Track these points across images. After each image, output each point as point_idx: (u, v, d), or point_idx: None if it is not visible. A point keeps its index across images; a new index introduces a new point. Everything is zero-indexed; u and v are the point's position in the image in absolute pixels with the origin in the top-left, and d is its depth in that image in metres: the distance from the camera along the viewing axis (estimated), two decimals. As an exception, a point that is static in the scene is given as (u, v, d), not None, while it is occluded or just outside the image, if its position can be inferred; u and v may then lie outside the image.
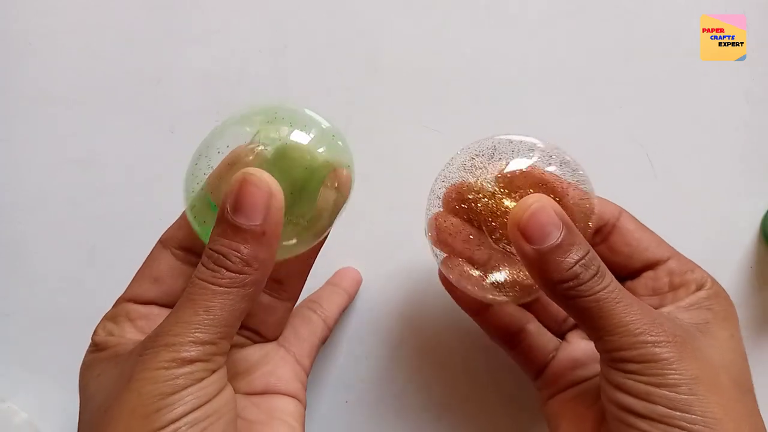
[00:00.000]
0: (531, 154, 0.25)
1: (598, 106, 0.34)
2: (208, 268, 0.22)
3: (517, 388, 0.33)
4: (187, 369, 0.21)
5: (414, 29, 0.35)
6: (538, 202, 0.23)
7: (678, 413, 0.21)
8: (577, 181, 0.25)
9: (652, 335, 0.22)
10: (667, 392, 0.21)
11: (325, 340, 0.30)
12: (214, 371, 0.22)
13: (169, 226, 0.26)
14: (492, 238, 0.25)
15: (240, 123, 0.24)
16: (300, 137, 0.24)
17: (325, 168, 0.24)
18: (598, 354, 0.23)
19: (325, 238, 0.25)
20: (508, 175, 0.25)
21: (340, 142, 0.24)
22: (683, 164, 0.34)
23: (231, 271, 0.21)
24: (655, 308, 0.25)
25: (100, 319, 0.26)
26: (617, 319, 0.22)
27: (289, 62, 0.35)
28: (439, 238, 0.26)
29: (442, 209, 0.26)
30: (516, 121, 0.34)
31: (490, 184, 0.25)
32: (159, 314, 0.25)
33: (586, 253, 0.22)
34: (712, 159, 0.34)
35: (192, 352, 0.21)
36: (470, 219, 0.25)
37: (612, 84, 0.34)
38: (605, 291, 0.22)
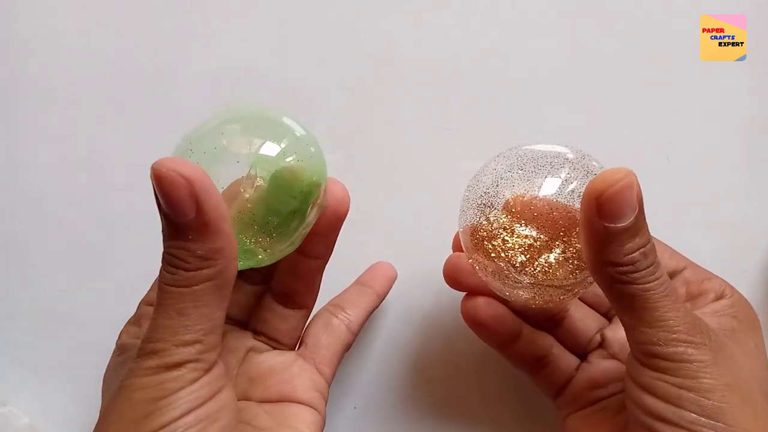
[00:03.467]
0: (560, 171, 0.24)
1: (599, 107, 0.34)
2: (167, 272, 0.21)
3: (533, 398, 0.33)
4: (175, 372, 0.20)
5: (426, 27, 0.35)
6: (626, 177, 0.21)
7: (708, 421, 0.20)
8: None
9: (690, 335, 0.21)
10: (699, 397, 0.20)
11: (349, 347, 0.29)
12: (207, 370, 0.21)
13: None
14: (515, 272, 0.24)
15: (205, 138, 0.23)
16: (289, 159, 0.23)
17: (314, 190, 0.23)
18: (621, 375, 0.23)
19: (327, 254, 0.25)
20: (526, 207, 0.24)
21: (312, 149, 0.24)
22: (691, 165, 0.34)
23: (189, 271, 0.20)
24: None
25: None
26: (661, 313, 0.21)
27: (296, 61, 0.35)
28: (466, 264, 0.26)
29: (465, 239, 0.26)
30: (530, 119, 0.34)
31: (504, 219, 0.25)
32: None
33: (648, 242, 0.22)
34: (713, 159, 0.34)
35: (177, 355, 0.20)
36: (488, 257, 0.25)
37: (611, 84, 0.34)
38: (656, 282, 0.22)
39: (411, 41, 0.35)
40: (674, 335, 0.21)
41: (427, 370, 0.33)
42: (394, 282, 0.32)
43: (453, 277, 0.28)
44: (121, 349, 0.25)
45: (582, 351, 0.28)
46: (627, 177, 0.21)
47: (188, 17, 0.35)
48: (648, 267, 0.22)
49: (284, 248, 0.24)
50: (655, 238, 0.26)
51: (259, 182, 0.22)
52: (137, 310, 0.26)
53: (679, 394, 0.21)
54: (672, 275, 0.26)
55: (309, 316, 0.28)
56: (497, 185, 0.25)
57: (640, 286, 0.21)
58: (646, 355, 0.22)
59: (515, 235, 0.24)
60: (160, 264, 0.21)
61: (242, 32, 0.35)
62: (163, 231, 0.21)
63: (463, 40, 0.35)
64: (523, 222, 0.24)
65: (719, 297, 0.25)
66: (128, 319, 0.26)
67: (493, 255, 0.24)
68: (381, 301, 0.31)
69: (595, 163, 0.25)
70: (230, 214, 0.22)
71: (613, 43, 0.34)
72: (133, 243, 0.34)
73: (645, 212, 0.22)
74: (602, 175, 0.21)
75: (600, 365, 0.27)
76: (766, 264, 0.33)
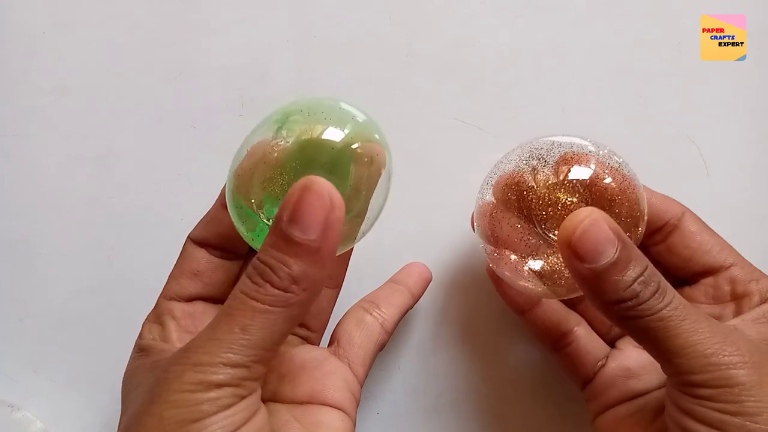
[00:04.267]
0: (589, 161, 0.24)
1: (598, 106, 0.34)
2: (252, 281, 0.20)
3: (563, 404, 0.32)
4: (213, 394, 0.19)
5: (449, 19, 0.34)
6: (589, 216, 0.21)
7: None
8: (628, 185, 0.24)
9: (726, 355, 0.20)
10: (745, 422, 0.19)
11: (383, 346, 0.27)
12: (243, 397, 0.20)
13: (195, 223, 0.25)
14: (541, 229, 0.24)
15: (270, 121, 0.24)
16: (326, 128, 0.22)
17: (351, 145, 0.22)
18: (655, 364, 0.22)
19: (376, 217, 0.24)
20: (566, 181, 0.24)
21: (374, 132, 0.23)
22: (691, 165, 0.34)
23: (276, 288, 0.20)
24: (716, 319, 0.24)
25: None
26: (684, 339, 0.20)
27: (316, 54, 0.34)
28: (487, 226, 0.25)
29: (492, 199, 0.25)
30: (529, 118, 0.34)
31: (546, 177, 0.24)
32: (204, 311, 0.24)
33: (645, 269, 0.21)
34: (713, 159, 0.34)
35: (221, 375, 0.19)
36: (521, 208, 0.25)
37: (610, 84, 0.34)
38: (668, 308, 0.20)
39: (432, 35, 0.34)
40: (707, 359, 0.20)
41: (453, 376, 0.33)
42: (428, 284, 0.31)
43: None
44: (142, 350, 0.24)
45: (609, 333, 0.28)
46: (590, 215, 0.21)
47: (205, 11, 0.35)
48: (653, 295, 0.21)
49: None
50: (709, 228, 0.25)
51: (287, 142, 0.22)
52: (157, 305, 0.25)
53: (722, 420, 0.20)
54: (716, 271, 0.25)
55: (337, 297, 0.27)
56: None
57: (652, 317, 0.20)
58: (684, 384, 0.20)
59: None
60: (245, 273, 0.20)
61: (260, 26, 0.34)
62: (267, 242, 0.20)
63: (488, 31, 0.34)
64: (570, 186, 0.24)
65: (764, 301, 0.24)
66: (147, 315, 0.25)
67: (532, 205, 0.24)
68: (415, 302, 0.30)
69: (619, 160, 0.25)
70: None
71: (613, 42, 0.34)
72: (154, 243, 0.33)
73: (631, 240, 0.21)
74: (568, 220, 0.21)
75: (631, 353, 0.26)
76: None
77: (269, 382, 0.25)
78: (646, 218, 0.24)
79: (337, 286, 0.27)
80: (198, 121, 0.34)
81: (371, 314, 0.27)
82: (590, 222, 0.21)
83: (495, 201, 0.25)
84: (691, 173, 0.34)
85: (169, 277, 0.25)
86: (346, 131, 0.22)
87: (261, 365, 0.20)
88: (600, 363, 0.27)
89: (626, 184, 0.24)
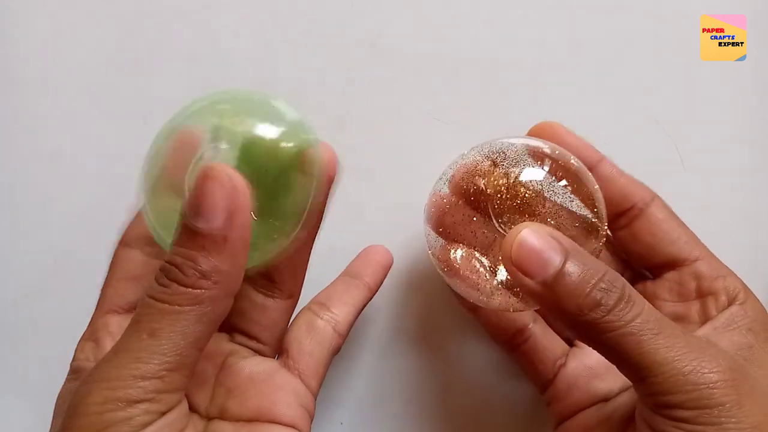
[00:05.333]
0: (545, 159, 0.24)
1: (597, 106, 0.34)
2: (159, 283, 0.19)
3: (533, 411, 0.31)
4: (123, 413, 0.17)
5: (420, 9, 0.33)
6: (525, 227, 0.20)
7: None
8: (585, 184, 0.24)
9: (704, 373, 0.19)
10: None
11: (337, 351, 0.25)
12: (162, 414, 0.18)
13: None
14: (498, 222, 0.23)
15: (195, 118, 0.22)
16: (266, 130, 0.21)
17: (295, 155, 0.21)
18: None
19: (316, 227, 0.23)
20: (522, 174, 0.24)
21: (305, 131, 0.22)
22: (691, 165, 0.33)
23: (183, 285, 0.18)
24: (680, 318, 0.23)
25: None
26: (660, 356, 0.19)
27: (281, 43, 0.33)
28: (439, 218, 0.24)
29: (447, 191, 0.24)
30: (526, 116, 0.32)
31: (504, 170, 0.24)
32: None
33: (603, 274, 0.19)
34: (712, 159, 0.33)
35: (130, 390, 0.17)
36: (477, 201, 0.23)
37: (610, 83, 0.34)
38: (639, 320, 0.19)
39: (400, 27, 0.33)
40: (685, 377, 0.19)
41: (420, 381, 0.32)
42: (388, 270, 0.28)
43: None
44: (75, 372, 0.22)
45: (565, 335, 0.27)
46: (525, 226, 0.20)
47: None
48: (618, 303, 0.19)
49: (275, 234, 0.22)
50: (677, 218, 0.24)
51: (224, 146, 0.21)
52: (92, 322, 0.23)
53: None
54: (680, 264, 0.24)
55: (294, 308, 0.25)
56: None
57: (621, 331, 0.19)
58: (660, 406, 0.19)
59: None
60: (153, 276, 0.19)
61: (224, 13, 0.33)
62: (174, 241, 0.19)
63: (461, 24, 0.33)
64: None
65: (731, 301, 0.23)
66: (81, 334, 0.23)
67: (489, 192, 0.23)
68: (373, 295, 0.27)
69: (573, 160, 0.24)
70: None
71: (613, 42, 0.34)
72: (106, 246, 0.31)
73: (580, 246, 0.20)
74: (506, 238, 0.20)
75: (592, 351, 0.25)
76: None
77: (217, 397, 0.23)
78: (606, 222, 0.23)
79: (292, 296, 0.25)
80: (155, 114, 0.32)
81: (322, 318, 0.25)
82: (527, 232, 0.20)
83: (450, 192, 0.24)
84: (691, 173, 0.33)
85: (102, 289, 0.23)
86: (289, 143, 0.21)
87: (178, 374, 0.18)
88: (559, 362, 0.26)
89: (583, 182, 0.23)
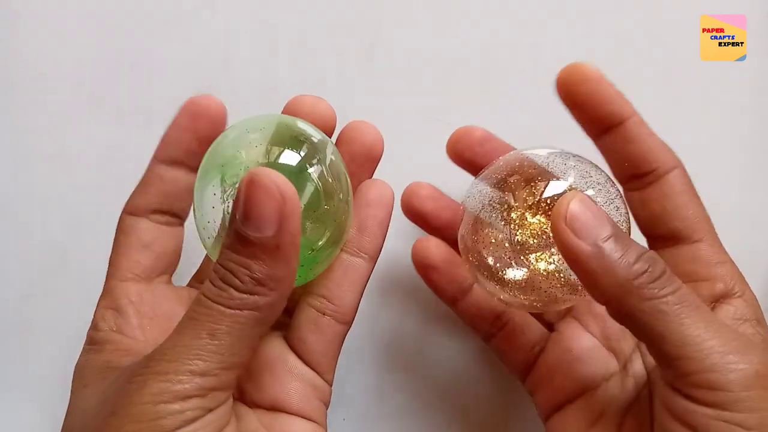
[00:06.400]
0: (566, 175, 0.23)
1: None
2: (215, 286, 0.19)
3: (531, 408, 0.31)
4: (176, 406, 0.18)
5: (419, 9, 0.33)
6: (579, 192, 0.20)
7: None
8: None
9: (745, 355, 0.19)
10: None
11: (346, 334, 0.24)
12: (210, 410, 0.19)
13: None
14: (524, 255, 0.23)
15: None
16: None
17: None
18: (599, 348, 0.21)
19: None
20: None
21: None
22: (690, 165, 0.32)
23: (241, 292, 0.19)
24: None
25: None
26: (700, 332, 0.19)
27: (279, 44, 0.33)
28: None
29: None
30: (524, 116, 0.33)
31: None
32: (165, 294, 0.23)
33: (644, 252, 0.20)
34: (713, 160, 0.33)
35: (187, 384, 0.18)
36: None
37: (614, 81, 0.33)
38: (680, 293, 0.19)
39: (397, 30, 0.33)
40: (724, 357, 0.18)
41: (425, 377, 0.31)
42: (390, 213, 0.24)
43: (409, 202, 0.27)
44: (95, 343, 0.21)
45: (543, 319, 0.26)
46: (579, 192, 0.20)
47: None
48: (663, 274, 0.19)
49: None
50: (695, 195, 0.24)
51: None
52: (109, 289, 0.22)
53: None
54: (681, 242, 0.23)
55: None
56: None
57: (666, 298, 0.19)
58: (691, 385, 0.19)
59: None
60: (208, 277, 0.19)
61: (224, 15, 0.33)
62: (226, 243, 0.19)
63: (460, 26, 0.33)
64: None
65: (727, 293, 0.22)
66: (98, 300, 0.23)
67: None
68: (375, 261, 0.24)
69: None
70: None
71: (613, 42, 0.34)
72: (109, 246, 0.32)
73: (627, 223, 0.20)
74: (559, 201, 0.20)
75: (572, 334, 0.25)
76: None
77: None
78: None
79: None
80: (154, 117, 0.33)
81: (324, 315, 0.24)
82: (581, 196, 0.20)
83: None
84: (690, 173, 0.32)
85: (112, 258, 0.23)
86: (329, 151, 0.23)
87: (230, 373, 0.19)
88: (538, 346, 0.26)
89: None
